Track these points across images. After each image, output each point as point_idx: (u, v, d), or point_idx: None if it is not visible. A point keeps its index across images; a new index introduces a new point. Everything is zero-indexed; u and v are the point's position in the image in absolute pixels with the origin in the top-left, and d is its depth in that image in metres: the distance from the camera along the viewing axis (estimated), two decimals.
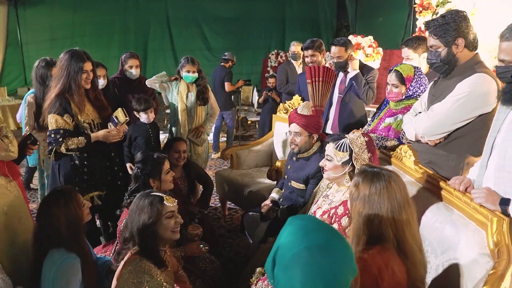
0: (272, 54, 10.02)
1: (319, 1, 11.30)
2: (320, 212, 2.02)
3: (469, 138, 1.97)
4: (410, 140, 2.35)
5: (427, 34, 2.09)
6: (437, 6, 4.38)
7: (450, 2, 4.21)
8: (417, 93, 2.45)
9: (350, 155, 1.93)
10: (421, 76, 2.44)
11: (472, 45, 1.99)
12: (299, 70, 4.93)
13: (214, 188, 3.50)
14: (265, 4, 11.05)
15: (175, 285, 1.89)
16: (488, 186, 1.59)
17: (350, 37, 5.10)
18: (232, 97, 6.27)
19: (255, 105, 8.16)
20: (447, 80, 2.05)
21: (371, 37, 5.05)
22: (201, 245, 2.41)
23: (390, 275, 1.33)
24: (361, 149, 1.91)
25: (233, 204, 4.01)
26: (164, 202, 1.80)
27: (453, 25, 1.95)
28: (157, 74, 3.52)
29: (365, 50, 4.91)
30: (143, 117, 3.17)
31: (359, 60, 3.36)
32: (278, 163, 3.19)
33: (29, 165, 4.17)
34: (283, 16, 11.36)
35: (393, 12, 8.04)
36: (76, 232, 1.88)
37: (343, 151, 1.94)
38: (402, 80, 2.42)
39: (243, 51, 10.85)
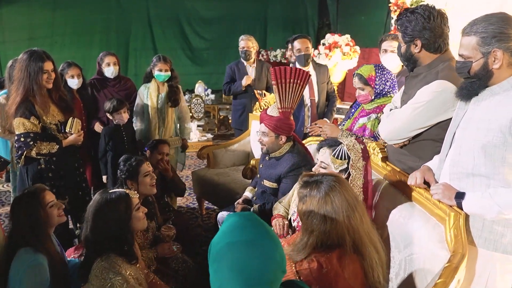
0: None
1: (300, 0, 11.31)
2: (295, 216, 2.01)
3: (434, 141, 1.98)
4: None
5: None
6: (411, 5, 4.45)
7: (424, 1, 4.29)
8: (386, 90, 2.46)
9: (348, 163, 1.87)
10: (384, 73, 2.45)
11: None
12: (251, 71, 4.21)
13: (191, 187, 3.48)
14: (247, 3, 11.00)
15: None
16: (445, 181, 1.62)
17: (328, 36, 5.14)
18: None
19: None
20: (415, 77, 2.02)
21: (348, 36, 5.07)
22: (173, 246, 2.40)
23: (345, 280, 1.33)
24: (357, 157, 1.86)
25: (210, 204, 4.00)
26: (130, 195, 1.84)
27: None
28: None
29: (342, 49, 4.94)
30: (116, 118, 3.09)
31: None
32: (253, 162, 3.20)
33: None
34: (265, 15, 11.33)
35: (374, 10, 8.09)
36: (40, 232, 1.85)
37: (341, 158, 1.88)
38: (365, 81, 2.45)
39: (226, 51, 10.80)
